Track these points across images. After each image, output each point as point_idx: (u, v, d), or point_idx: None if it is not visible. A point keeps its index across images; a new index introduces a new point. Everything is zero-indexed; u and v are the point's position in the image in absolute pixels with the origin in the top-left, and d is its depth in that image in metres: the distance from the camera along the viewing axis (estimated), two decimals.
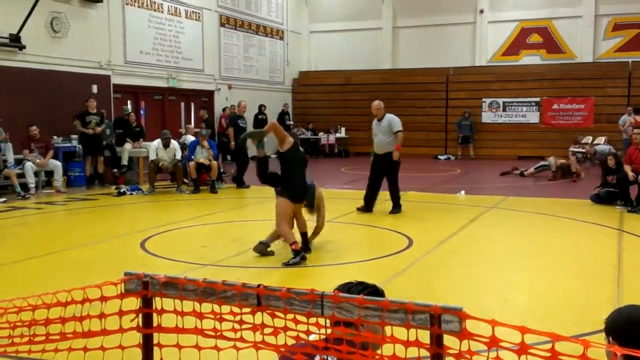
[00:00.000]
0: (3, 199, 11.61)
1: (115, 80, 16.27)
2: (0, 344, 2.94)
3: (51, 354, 2.80)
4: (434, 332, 1.97)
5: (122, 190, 12.78)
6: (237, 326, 2.38)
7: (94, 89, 15.28)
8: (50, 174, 13.20)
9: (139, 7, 17.02)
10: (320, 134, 23.53)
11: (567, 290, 5.87)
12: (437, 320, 1.96)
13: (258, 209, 11.09)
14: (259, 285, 2.31)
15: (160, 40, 17.84)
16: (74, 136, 14.23)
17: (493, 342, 1.89)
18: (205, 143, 13.29)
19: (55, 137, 13.89)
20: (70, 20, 14.76)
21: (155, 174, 13.42)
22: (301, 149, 7.62)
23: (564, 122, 21.38)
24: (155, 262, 6.86)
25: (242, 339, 2.38)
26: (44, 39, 14.17)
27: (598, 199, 10.95)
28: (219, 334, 2.43)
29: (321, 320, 2.20)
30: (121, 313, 2.57)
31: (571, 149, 18.15)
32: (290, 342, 2.29)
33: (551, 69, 21.86)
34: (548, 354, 1.80)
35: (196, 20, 19.36)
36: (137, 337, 2.59)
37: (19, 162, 12.60)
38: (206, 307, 2.44)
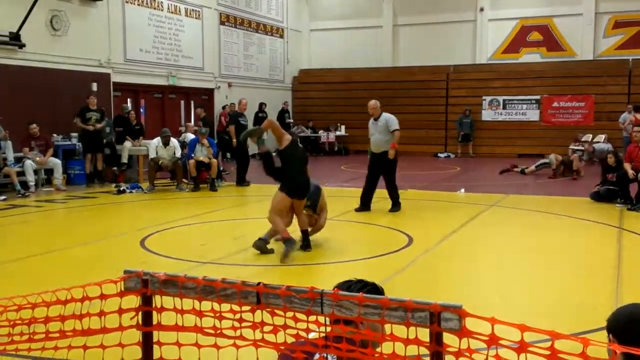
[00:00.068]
0: (3, 197, 11.61)
1: (115, 78, 16.26)
2: (0, 342, 2.94)
3: (51, 352, 2.80)
4: (434, 330, 1.97)
5: (121, 189, 12.78)
6: (236, 324, 2.38)
7: (94, 87, 15.28)
8: (50, 172, 13.19)
9: (138, 5, 17.01)
10: (320, 132, 23.53)
11: (567, 288, 5.87)
12: (436, 318, 1.96)
13: (258, 207, 11.05)
14: (258, 283, 2.31)
15: (160, 39, 17.83)
16: (74, 134, 14.23)
17: (493, 340, 1.89)
18: (205, 141, 13.28)
19: (55, 135, 13.89)
20: (70, 18, 14.75)
21: (155, 172, 13.41)
22: (300, 145, 7.65)
23: (564, 120, 21.38)
24: (155, 260, 6.86)
25: (241, 337, 2.37)
26: (44, 37, 14.16)
27: (598, 197, 10.95)
28: (218, 332, 2.43)
29: (321, 318, 2.20)
30: (121, 311, 2.57)
31: (571, 146, 18.15)
32: (290, 340, 2.29)
33: (551, 67, 21.85)
34: (548, 352, 1.80)
35: (196, 18, 19.35)
36: (136, 335, 2.59)
37: (18, 160, 12.60)
38: (206, 305, 2.44)
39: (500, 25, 22.88)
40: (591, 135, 19.42)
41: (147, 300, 2.54)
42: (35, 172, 12.74)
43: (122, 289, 2.57)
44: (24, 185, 12.23)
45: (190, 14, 19.04)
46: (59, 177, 12.98)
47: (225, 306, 2.40)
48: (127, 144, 14.78)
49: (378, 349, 2.20)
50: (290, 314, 2.25)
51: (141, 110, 17.86)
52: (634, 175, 10.46)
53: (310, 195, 7.46)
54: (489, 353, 1.89)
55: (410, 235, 8.13)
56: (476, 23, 23.11)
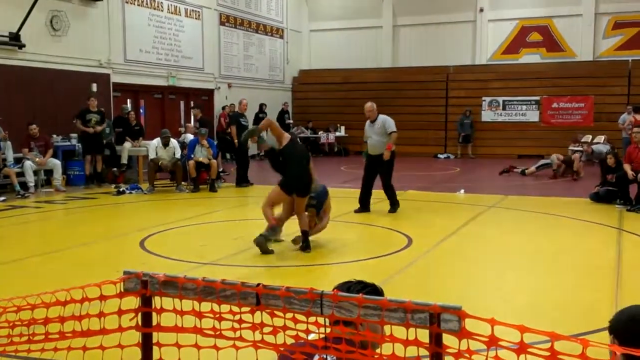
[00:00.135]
0: (2, 198, 11.61)
1: (115, 78, 16.27)
2: None
3: (50, 353, 2.79)
4: (433, 331, 1.97)
5: (121, 189, 12.78)
6: (236, 325, 2.38)
7: (94, 87, 15.29)
8: (49, 172, 13.19)
9: (138, 5, 17.01)
10: (320, 133, 23.53)
11: (566, 289, 5.87)
12: (436, 319, 1.96)
13: (258, 207, 11.06)
14: (258, 285, 2.30)
15: (160, 39, 17.84)
16: (74, 135, 14.23)
17: (492, 341, 1.89)
18: (205, 142, 13.28)
19: (54, 135, 13.89)
20: (70, 18, 14.75)
21: (155, 173, 13.41)
22: (301, 143, 7.70)
23: (563, 121, 21.39)
24: (155, 261, 6.86)
25: (241, 338, 2.37)
26: (44, 37, 14.16)
27: (597, 198, 10.95)
28: (218, 333, 2.43)
29: (320, 320, 2.20)
30: (120, 312, 2.57)
31: (570, 147, 18.15)
32: (290, 341, 2.29)
33: (551, 68, 21.87)
34: (547, 353, 1.80)
35: (196, 18, 19.35)
36: (136, 336, 2.59)
37: (18, 161, 12.59)
38: (205, 306, 2.44)
39: (500, 25, 22.91)
40: (591, 136, 19.41)
41: (146, 301, 2.54)
42: (35, 172, 12.73)
43: (122, 289, 2.56)
44: (24, 186, 12.23)
45: (190, 14, 19.05)
46: (58, 177, 12.98)
47: (225, 307, 2.40)
48: (127, 144, 14.78)
49: (378, 350, 2.20)
50: (289, 315, 2.25)
51: (141, 110, 17.87)
52: (633, 176, 10.46)
53: (317, 196, 7.50)
54: (488, 354, 1.89)
55: (409, 236, 8.13)
56: (476, 24, 23.13)
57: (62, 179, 13.23)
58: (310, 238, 7.42)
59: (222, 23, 20.72)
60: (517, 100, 21.99)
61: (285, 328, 2.28)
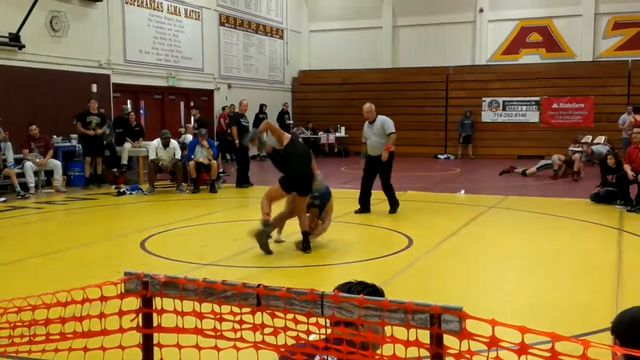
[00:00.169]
0: (3, 199, 11.61)
1: (115, 79, 16.27)
2: (0, 344, 2.94)
3: (51, 354, 2.80)
4: (434, 332, 1.97)
5: (121, 190, 12.78)
6: (237, 326, 2.38)
7: (94, 88, 15.29)
8: (50, 173, 13.19)
9: (138, 6, 17.02)
10: (320, 134, 23.53)
11: (567, 290, 5.87)
12: (437, 320, 1.96)
13: (258, 208, 11.07)
14: (258, 285, 2.31)
15: (159, 40, 17.84)
16: (74, 135, 14.23)
17: (493, 342, 1.89)
18: (205, 142, 13.29)
19: (55, 136, 13.89)
20: (70, 19, 14.75)
21: (155, 174, 13.41)
22: (301, 140, 7.73)
23: (563, 122, 21.39)
24: (155, 262, 6.86)
25: (242, 339, 2.37)
26: (44, 38, 14.17)
27: (598, 199, 10.94)
28: (219, 333, 2.43)
29: (321, 320, 2.20)
30: (121, 313, 2.57)
31: (570, 148, 18.14)
32: (290, 342, 2.29)
33: (551, 68, 21.87)
34: (548, 354, 1.80)
35: (196, 19, 19.36)
36: (137, 337, 2.59)
37: (18, 162, 12.60)
38: (206, 307, 2.44)
39: (500, 26, 22.91)
40: (591, 137, 19.41)
41: (147, 302, 2.54)
42: (35, 173, 12.73)
43: (123, 290, 2.57)
44: (24, 186, 12.22)
45: (190, 14, 19.05)
46: (58, 178, 12.98)
47: (226, 308, 2.40)
48: (127, 145, 14.77)
49: (378, 351, 2.20)
50: (290, 315, 2.25)
51: (141, 111, 17.87)
52: (633, 176, 10.47)
53: (320, 196, 7.52)
54: (489, 355, 1.89)
55: (410, 236, 8.13)
56: (476, 24, 23.13)
57: (63, 179, 13.23)
58: (311, 239, 7.43)
59: (221, 23, 20.72)
60: (517, 101, 21.99)
61: (286, 329, 2.28)
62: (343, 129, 23.50)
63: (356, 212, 10.05)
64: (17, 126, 12.83)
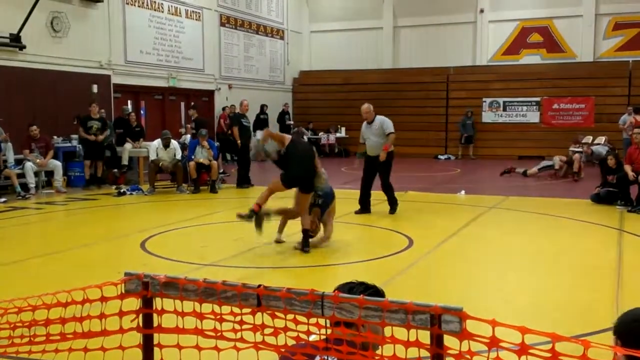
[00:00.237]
0: (3, 199, 11.62)
1: (116, 80, 16.28)
2: (0, 345, 2.94)
3: (51, 354, 2.79)
4: (434, 333, 1.97)
5: (122, 190, 12.79)
6: (237, 326, 2.38)
7: (94, 88, 15.29)
8: (50, 174, 13.20)
9: (139, 6, 17.02)
10: (321, 134, 23.53)
11: (567, 290, 5.87)
12: (437, 320, 1.96)
13: None
14: (259, 286, 2.31)
15: (160, 40, 17.85)
16: (74, 136, 14.24)
17: (493, 343, 1.89)
18: (205, 143, 13.29)
19: (55, 137, 13.90)
20: (71, 20, 14.76)
21: (156, 174, 13.42)
22: (302, 139, 7.77)
23: (564, 122, 21.38)
24: (156, 262, 6.86)
25: (242, 340, 2.37)
26: (45, 38, 14.17)
27: (598, 199, 10.94)
28: (219, 334, 2.43)
29: (321, 321, 2.20)
30: (121, 313, 2.57)
31: (571, 148, 18.14)
32: (291, 342, 2.29)
33: (551, 69, 21.87)
34: (548, 355, 1.80)
35: (196, 20, 19.36)
36: (137, 338, 2.59)
37: (19, 162, 12.60)
38: (206, 307, 2.44)
39: (501, 26, 22.91)
40: (591, 137, 19.40)
41: (147, 303, 2.54)
42: (36, 174, 12.73)
43: (123, 291, 2.57)
44: (24, 187, 12.22)
45: (190, 15, 19.06)
46: (59, 179, 12.98)
47: (226, 308, 2.40)
48: (128, 145, 14.78)
49: (379, 352, 2.20)
50: (290, 316, 2.25)
51: (141, 112, 17.88)
52: (634, 177, 10.46)
53: (324, 195, 7.54)
54: (489, 355, 1.89)
55: (410, 237, 8.13)
56: (476, 25, 23.13)
57: (63, 180, 13.23)
58: (313, 241, 7.44)
59: (222, 24, 20.73)
60: (518, 101, 21.99)
61: (286, 329, 2.28)
62: (343, 129, 23.50)
63: (356, 212, 10.05)
64: (17, 127, 12.84)
